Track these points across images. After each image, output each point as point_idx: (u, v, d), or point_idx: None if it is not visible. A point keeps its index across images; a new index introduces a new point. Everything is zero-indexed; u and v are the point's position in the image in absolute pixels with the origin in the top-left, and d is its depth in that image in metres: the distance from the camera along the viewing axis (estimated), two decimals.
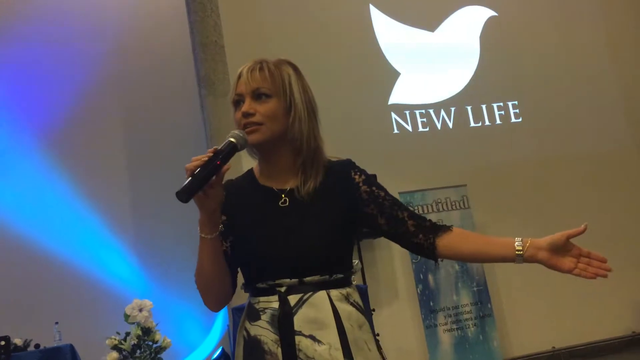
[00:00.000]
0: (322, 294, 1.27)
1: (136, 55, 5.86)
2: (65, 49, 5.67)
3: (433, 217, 5.28)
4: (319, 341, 1.23)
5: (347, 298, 1.31)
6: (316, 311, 1.25)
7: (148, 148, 5.84)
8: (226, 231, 1.36)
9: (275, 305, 1.26)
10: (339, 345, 1.23)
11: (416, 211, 1.42)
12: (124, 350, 3.55)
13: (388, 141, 6.16)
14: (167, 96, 5.87)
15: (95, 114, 5.77)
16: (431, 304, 5.50)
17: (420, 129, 6.32)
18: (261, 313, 1.28)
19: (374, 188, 1.37)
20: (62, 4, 5.80)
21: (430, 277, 5.56)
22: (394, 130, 6.25)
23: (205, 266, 1.31)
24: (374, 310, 4.95)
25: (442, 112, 6.40)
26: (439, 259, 1.36)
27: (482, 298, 5.59)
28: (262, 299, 1.30)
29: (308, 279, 1.27)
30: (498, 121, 6.55)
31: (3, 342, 2.72)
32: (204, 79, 5.23)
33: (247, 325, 1.32)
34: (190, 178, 1.20)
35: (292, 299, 1.26)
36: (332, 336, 1.24)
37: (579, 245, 1.29)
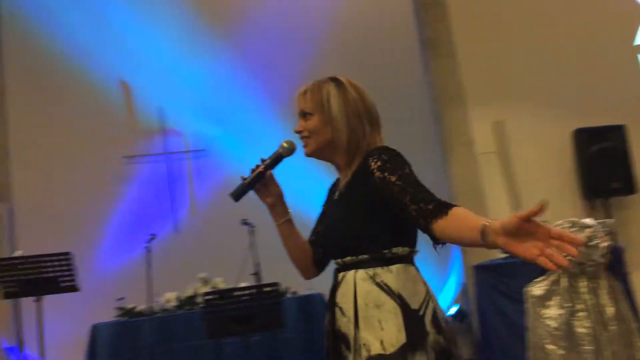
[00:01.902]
0: (351, 272, 1.46)
1: (358, 20, 6.05)
2: (290, 18, 6.08)
3: None
4: (343, 314, 1.45)
5: (372, 278, 1.43)
6: (346, 288, 1.46)
7: None
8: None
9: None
10: (353, 319, 1.41)
11: None
12: None
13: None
14: (390, 59, 6.01)
15: (323, 76, 6.16)
16: None
17: None
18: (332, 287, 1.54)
19: (386, 174, 1.42)
20: None
21: None
22: None
23: (284, 245, 1.68)
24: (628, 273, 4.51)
25: None
26: (440, 244, 1.34)
27: None
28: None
29: (346, 259, 1.48)
30: None
31: (270, 289, 3.22)
32: (428, 40, 5.23)
33: None
34: (240, 183, 1.58)
35: (340, 276, 1.51)
36: (351, 311, 1.42)
37: None
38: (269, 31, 6.07)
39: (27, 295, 3.75)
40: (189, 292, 5.16)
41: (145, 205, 5.63)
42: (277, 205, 1.64)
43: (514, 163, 5.19)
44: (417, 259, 4.95)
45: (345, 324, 1.44)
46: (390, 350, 1.34)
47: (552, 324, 3.13)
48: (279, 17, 6.11)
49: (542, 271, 3.35)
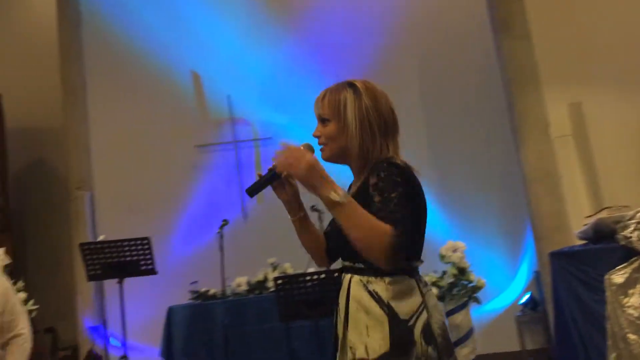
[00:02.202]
0: (348, 276, 1.53)
1: (427, 1, 5.96)
2: (356, 3, 6.05)
3: None
4: (338, 314, 1.53)
5: (365, 285, 1.47)
6: (342, 290, 1.54)
7: (442, 92, 5.98)
8: None
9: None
10: (343, 321, 1.48)
11: None
12: (442, 287, 3.78)
13: None
14: (461, 41, 5.87)
15: (391, 62, 6.11)
16: None
17: None
18: None
19: (375, 192, 1.45)
20: None
21: None
22: None
23: (297, 235, 1.74)
24: None
25: None
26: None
27: None
28: None
29: (346, 263, 1.56)
30: None
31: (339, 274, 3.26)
32: (501, 21, 5.07)
33: None
34: (257, 180, 1.63)
35: (342, 277, 1.58)
36: (343, 312, 1.50)
37: None
38: (335, 17, 6.07)
39: (109, 278, 3.95)
40: (259, 276, 5.30)
41: (216, 192, 5.80)
42: (292, 203, 1.69)
43: (591, 147, 4.96)
44: (489, 247, 4.83)
45: (338, 322, 1.52)
46: (372, 356, 1.38)
47: (634, 313, 3.00)
48: (344, 2, 6.10)
49: (623, 258, 3.21)
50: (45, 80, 6.52)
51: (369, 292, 1.45)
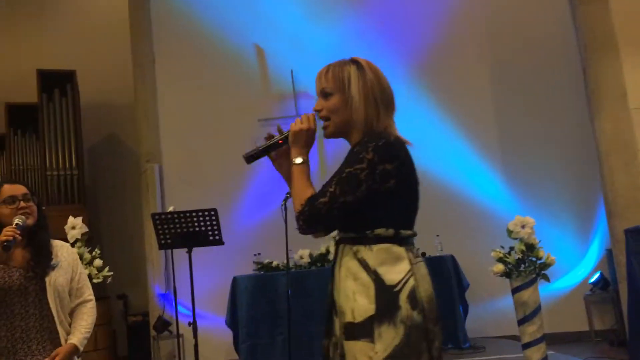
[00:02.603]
0: (341, 246, 1.57)
1: None
2: None
3: None
4: (334, 281, 1.57)
5: (355, 253, 1.52)
6: (336, 259, 1.59)
7: (512, 66, 5.78)
8: None
9: None
10: (337, 288, 1.54)
11: None
12: (509, 263, 3.70)
13: None
14: (533, 7, 5.64)
15: (460, 38, 5.96)
16: None
17: None
18: None
19: (342, 163, 1.54)
20: None
21: None
22: None
23: None
24: None
25: None
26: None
27: None
28: None
29: (339, 234, 1.59)
30: None
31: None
32: None
33: None
34: (255, 147, 1.65)
35: (336, 247, 1.61)
36: (337, 280, 1.55)
37: None
38: None
39: (179, 247, 4.08)
40: (321, 249, 5.35)
41: None
42: (289, 180, 1.70)
43: None
44: (558, 223, 4.66)
45: (335, 291, 1.57)
46: (358, 319, 1.45)
47: None
48: None
49: None
50: (117, 58, 6.76)
51: (357, 260, 1.51)
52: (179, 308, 4.30)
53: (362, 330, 1.44)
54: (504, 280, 3.91)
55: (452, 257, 5.02)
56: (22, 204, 2.07)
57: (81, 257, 4.16)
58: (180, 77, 6.14)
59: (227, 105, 6.06)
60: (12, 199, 2.08)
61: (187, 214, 3.93)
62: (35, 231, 2.12)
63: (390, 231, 1.52)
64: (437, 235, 5.22)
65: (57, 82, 6.59)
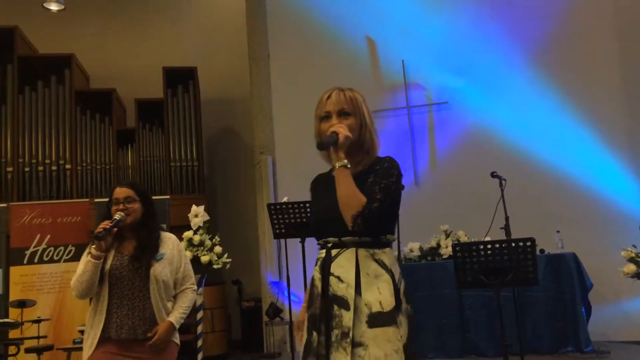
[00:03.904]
0: (351, 250, 1.75)
1: None
2: None
3: None
4: (341, 281, 1.73)
5: (372, 256, 1.75)
6: (345, 261, 1.75)
7: None
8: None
9: (323, 255, 1.80)
10: (353, 285, 1.71)
11: None
12: None
13: None
14: None
15: (584, 23, 5.60)
16: None
17: None
18: (318, 260, 1.83)
19: (372, 175, 1.76)
20: None
21: None
22: None
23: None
24: None
25: None
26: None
27: None
28: (320, 252, 1.83)
29: (344, 238, 1.75)
30: None
31: (529, 243, 3.10)
32: None
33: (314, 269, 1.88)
34: (329, 137, 1.76)
35: (334, 252, 1.77)
36: (350, 279, 1.72)
37: None
38: None
39: (292, 237, 4.19)
40: (432, 242, 5.26)
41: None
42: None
43: None
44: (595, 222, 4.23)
45: (343, 289, 1.73)
46: (387, 309, 1.70)
47: None
48: None
49: None
50: (234, 54, 7.05)
51: (377, 261, 1.75)
52: (291, 296, 4.43)
53: (390, 318, 1.70)
54: (633, 282, 3.63)
55: (574, 255, 4.72)
56: (122, 206, 2.38)
57: (202, 243, 4.42)
58: (293, 70, 6.28)
59: None
60: (116, 201, 2.40)
61: (302, 205, 4.02)
62: (141, 227, 2.42)
63: (392, 237, 1.82)
64: (558, 232, 4.94)
65: (180, 79, 7.00)
